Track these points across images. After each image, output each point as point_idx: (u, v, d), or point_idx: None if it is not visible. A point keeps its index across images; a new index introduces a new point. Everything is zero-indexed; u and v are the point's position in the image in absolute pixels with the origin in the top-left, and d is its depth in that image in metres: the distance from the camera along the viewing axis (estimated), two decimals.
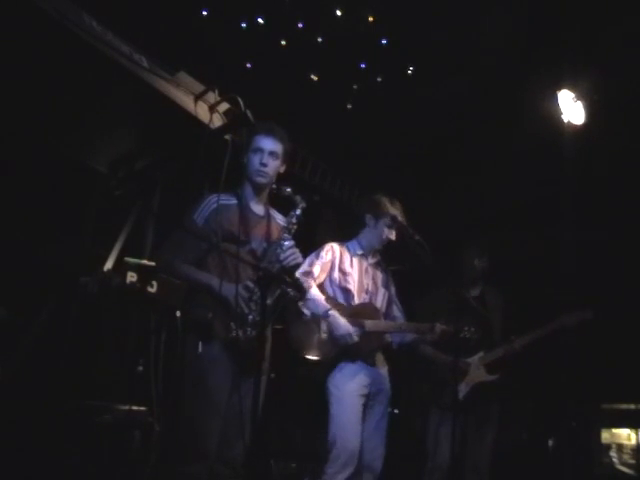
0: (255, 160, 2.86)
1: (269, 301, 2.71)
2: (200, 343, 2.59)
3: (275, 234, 2.94)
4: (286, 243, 2.84)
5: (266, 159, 2.87)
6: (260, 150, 2.85)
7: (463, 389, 3.89)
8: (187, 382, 2.58)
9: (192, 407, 2.57)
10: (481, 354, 3.96)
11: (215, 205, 2.77)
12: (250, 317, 2.69)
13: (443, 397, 3.86)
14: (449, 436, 3.50)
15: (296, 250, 2.84)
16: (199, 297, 2.66)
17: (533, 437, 5.50)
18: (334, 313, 3.45)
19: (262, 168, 2.86)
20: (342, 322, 3.44)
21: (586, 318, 3.95)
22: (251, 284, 2.68)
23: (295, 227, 2.91)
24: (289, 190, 2.90)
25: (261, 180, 2.89)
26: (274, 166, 2.90)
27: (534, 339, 3.96)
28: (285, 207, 3.00)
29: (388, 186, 3.85)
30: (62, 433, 2.35)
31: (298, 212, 2.91)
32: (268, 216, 3.00)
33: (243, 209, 2.89)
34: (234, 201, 2.88)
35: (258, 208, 2.97)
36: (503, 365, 3.95)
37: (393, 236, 3.70)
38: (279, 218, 3.05)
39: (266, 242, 2.88)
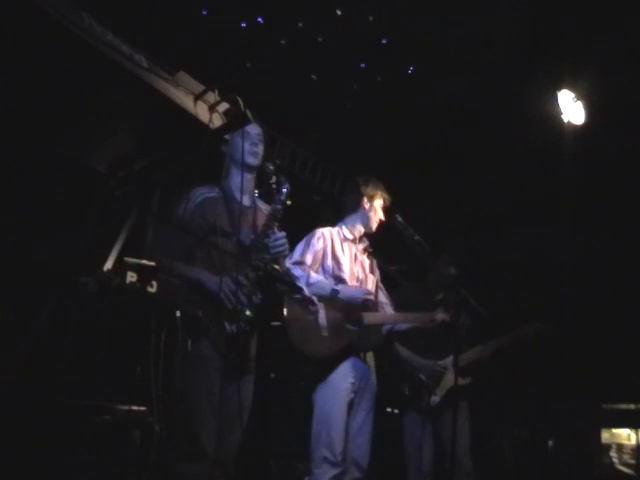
0: (245, 143, 2.81)
1: (260, 296, 2.70)
2: (189, 341, 2.52)
3: (261, 224, 2.88)
4: (276, 234, 2.79)
5: (256, 140, 2.88)
6: (247, 133, 2.83)
7: (439, 393, 3.90)
8: (177, 381, 2.52)
9: (185, 407, 2.53)
10: (451, 358, 3.93)
11: (200, 198, 2.75)
12: (242, 311, 2.64)
13: (419, 400, 3.89)
14: (430, 439, 3.54)
15: (285, 241, 2.81)
16: (187, 293, 2.57)
17: (533, 437, 5.50)
18: (341, 287, 3.42)
19: (254, 149, 2.86)
20: (353, 290, 3.45)
21: (542, 331, 3.96)
22: (242, 278, 2.64)
23: (282, 212, 2.85)
24: (272, 168, 2.87)
25: (253, 161, 2.87)
26: (262, 148, 2.91)
27: (501, 346, 3.98)
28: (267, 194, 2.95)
29: (388, 186, 3.85)
30: (62, 433, 2.34)
31: (283, 196, 2.86)
32: (254, 206, 2.94)
33: (228, 200, 2.85)
34: (217, 193, 2.84)
35: (244, 198, 2.91)
36: (473, 369, 3.96)
37: (382, 216, 3.68)
38: (265, 208, 3.00)
39: (253, 233, 2.82)
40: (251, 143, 2.85)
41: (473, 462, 3.87)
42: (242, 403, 2.65)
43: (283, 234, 2.82)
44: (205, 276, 2.65)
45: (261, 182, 2.97)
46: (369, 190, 3.67)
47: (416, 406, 3.92)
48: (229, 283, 2.62)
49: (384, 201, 3.69)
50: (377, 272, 3.76)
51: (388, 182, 3.81)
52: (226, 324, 2.61)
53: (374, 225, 3.68)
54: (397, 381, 4.04)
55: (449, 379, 3.91)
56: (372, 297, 3.47)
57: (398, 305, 3.77)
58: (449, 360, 3.95)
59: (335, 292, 3.39)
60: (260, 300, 2.71)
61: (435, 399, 3.88)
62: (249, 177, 2.92)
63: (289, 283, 2.98)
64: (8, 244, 2.29)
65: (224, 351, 2.63)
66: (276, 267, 2.79)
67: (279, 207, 2.85)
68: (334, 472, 3.21)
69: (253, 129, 2.88)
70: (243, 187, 2.84)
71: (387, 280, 3.87)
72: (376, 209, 3.66)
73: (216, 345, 2.63)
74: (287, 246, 2.83)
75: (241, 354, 2.68)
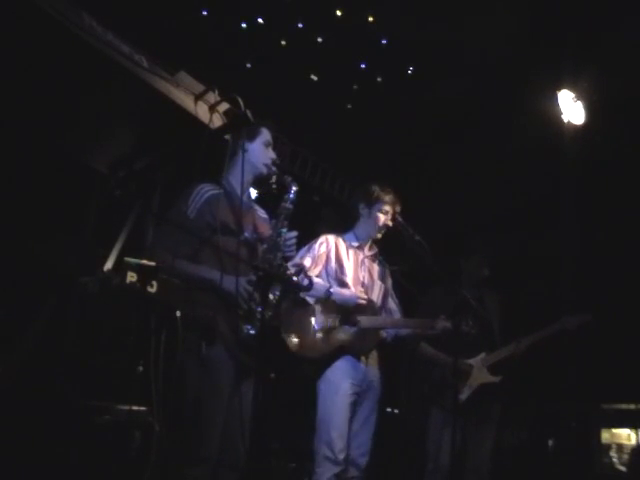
0: (267, 153, 2.83)
1: (274, 296, 2.64)
2: (203, 344, 2.49)
3: (259, 224, 2.87)
4: (288, 233, 2.76)
5: (273, 153, 2.87)
6: (270, 144, 2.84)
7: (466, 391, 3.87)
8: (189, 384, 2.49)
9: (194, 410, 2.50)
10: (483, 355, 3.95)
11: (207, 195, 2.69)
12: (258, 312, 2.54)
13: (445, 398, 3.86)
14: (450, 438, 3.49)
15: (295, 242, 2.79)
16: (198, 294, 2.53)
17: (533, 437, 5.50)
18: (335, 289, 3.43)
19: (270, 162, 2.83)
20: (346, 291, 3.44)
21: (586, 321, 3.97)
22: (255, 278, 2.55)
23: (290, 212, 2.81)
24: (275, 169, 2.84)
25: (265, 172, 2.84)
26: None
27: (537, 341, 3.96)
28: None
29: (387, 186, 3.83)
30: (62, 433, 2.34)
31: (292, 195, 2.82)
32: (251, 205, 2.94)
33: (230, 198, 2.81)
34: (220, 190, 2.77)
35: (243, 197, 2.88)
36: (506, 366, 3.95)
37: (390, 222, 3.61)
38: (259, 209, 2.99)
39: (255, 233, 2.80)
40: (271, 156, 2.84)
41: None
42: (250, 408, 2.61)
43: (295, 234, 2.79)
44: (218, 275, 2.57)
45: (261, 183, 2.94)
46: (368, 198, 3.66)
47: (441, 404, 3.89)
48: (244, 283, 2.55)
49: (391, 206, 3.61)
50: (389, 281, 3.75)
51: (387, 182, 3.78)
52: (243, 326, 2.56)
53: (376, 232, 3.63)
54: (420, 379, 4.04)
55: (476, 377, 3.91)
56: (364, 302, 3.45)
57: (425, 311, 3.75)
58: (479, 358, 3.94)
59: (328, 294, 3.40)
60: (276, 300, 2.65)
61: (461, 397, 3.84)
62: (252, 182, 2.91)
63: (298, 285, 2.94)
64: (8, 244, 2.29)
65: (238, 354, 2.59)
66: (285, 266, 2.76)
67: (290, 206, 2.81)
68: (334, 471, 3.22)
69: (272, 138, 2.86)
70: (244, 187, 2.84)
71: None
72: (377, 216, 3.60)
73: (230, 348, 2.58)
74: (294, 248, 2.81)
75: (254, 354, 2.59)
